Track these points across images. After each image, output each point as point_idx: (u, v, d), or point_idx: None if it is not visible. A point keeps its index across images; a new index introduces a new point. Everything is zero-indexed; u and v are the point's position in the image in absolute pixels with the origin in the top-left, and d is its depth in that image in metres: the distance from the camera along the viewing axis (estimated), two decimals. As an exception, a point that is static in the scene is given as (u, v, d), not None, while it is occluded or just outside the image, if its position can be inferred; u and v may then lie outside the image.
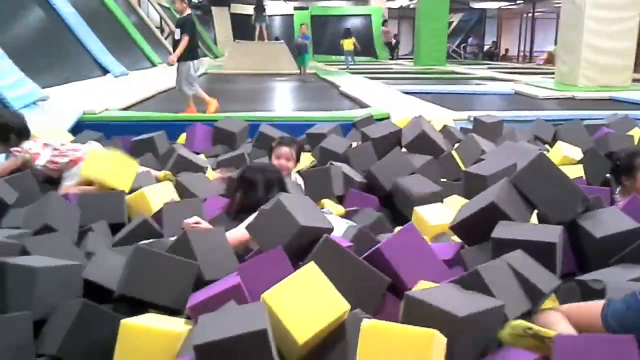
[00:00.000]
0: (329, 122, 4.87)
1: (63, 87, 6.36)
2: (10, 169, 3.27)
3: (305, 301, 1.51)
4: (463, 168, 3.45)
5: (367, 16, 25.17)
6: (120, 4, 12.15)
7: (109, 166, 3.04)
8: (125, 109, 6.09)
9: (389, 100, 7.18)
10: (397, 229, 2.55)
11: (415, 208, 2.73)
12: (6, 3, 6.52)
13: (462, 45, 26.22)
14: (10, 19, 5.24)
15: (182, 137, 4.69)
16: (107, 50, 9.17)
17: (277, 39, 19.82)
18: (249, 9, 19.94)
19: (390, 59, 22.72)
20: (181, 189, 3.11)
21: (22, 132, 3.40)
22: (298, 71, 13.08)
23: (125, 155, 3.31)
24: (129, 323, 1.53)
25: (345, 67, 15.95)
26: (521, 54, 25.14)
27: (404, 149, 3.81)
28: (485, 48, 26.41)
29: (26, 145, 3.35)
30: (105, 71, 8.75)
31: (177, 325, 1.58)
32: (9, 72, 5.24)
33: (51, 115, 5.06)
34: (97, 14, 10.26)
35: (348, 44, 16.56)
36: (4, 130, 3.35)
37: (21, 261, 1.81)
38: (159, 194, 2.91)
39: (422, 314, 1.48)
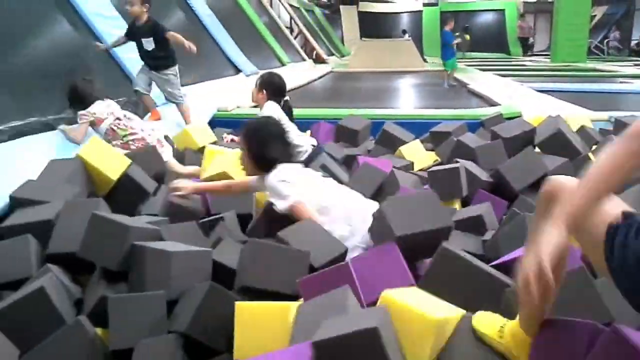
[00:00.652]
0: (455, 121, 4.74)
1: (199, 85, 6.71)
2: (83, 132, 3.48)
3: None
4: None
5: (500, 11, 24.20)
6: (253, 4, 12.62)
7: (104, 154, 2.94)
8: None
9: (520, 98, 6.84)
10: None
11: None
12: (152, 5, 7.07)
13: (605, 41, 24.30)
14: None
15: (307, 134, 4.81)
16: (240, 50, 9.60)
17: (404, 32, 19.55)
18: (377, 7, 19.95)
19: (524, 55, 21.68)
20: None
21: (83, 98, 3.55)
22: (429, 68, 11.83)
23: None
24: (242, 303, 1.62)
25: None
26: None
27: (537, 149, 3.61)
28: (633, 43, 24.22)
29: (94, 109, 3.49)
30: (237, 70, 9.14)
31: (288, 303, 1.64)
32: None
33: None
34: (231, 15, 10.72)
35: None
36: (68, 95, 3.60)
37: (159, 246, 1.95)
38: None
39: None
